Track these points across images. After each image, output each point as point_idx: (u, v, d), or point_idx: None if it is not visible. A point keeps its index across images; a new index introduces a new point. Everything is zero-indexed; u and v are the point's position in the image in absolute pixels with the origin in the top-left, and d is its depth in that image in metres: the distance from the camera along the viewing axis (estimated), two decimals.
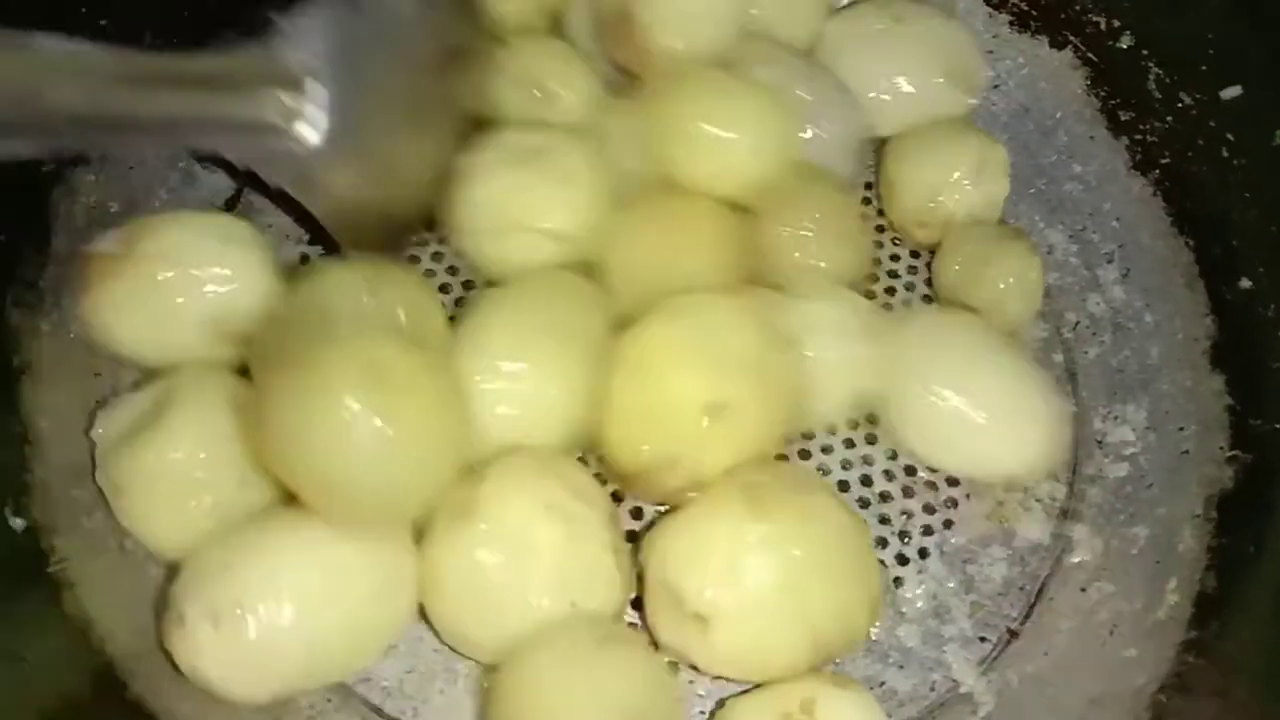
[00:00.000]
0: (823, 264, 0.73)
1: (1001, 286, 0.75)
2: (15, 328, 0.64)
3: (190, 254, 0.64)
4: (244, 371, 0.64)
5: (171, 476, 0.60)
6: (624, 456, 0.64)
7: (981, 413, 0.69)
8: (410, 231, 0.76)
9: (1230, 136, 0.75)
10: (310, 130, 0.62)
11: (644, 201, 0.72)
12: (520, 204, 0.69)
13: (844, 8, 0.85)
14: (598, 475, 0.66)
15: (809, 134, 0.75)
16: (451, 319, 0.68)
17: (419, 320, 0.64)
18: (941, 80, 0.80)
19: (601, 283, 0.70)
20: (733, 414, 0.61)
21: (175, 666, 0.57)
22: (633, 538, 0.67)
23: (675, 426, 0.62)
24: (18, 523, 0.59)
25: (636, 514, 0.69)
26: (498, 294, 0.68)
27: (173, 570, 0.60)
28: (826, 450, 0.73)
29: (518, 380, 0.63)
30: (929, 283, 0.79)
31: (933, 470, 0.72)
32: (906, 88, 0.80)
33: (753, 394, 0.62)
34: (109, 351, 0.66)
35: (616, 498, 0.68)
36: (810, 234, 0.72)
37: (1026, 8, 0.85)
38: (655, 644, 0.63)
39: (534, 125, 0.73)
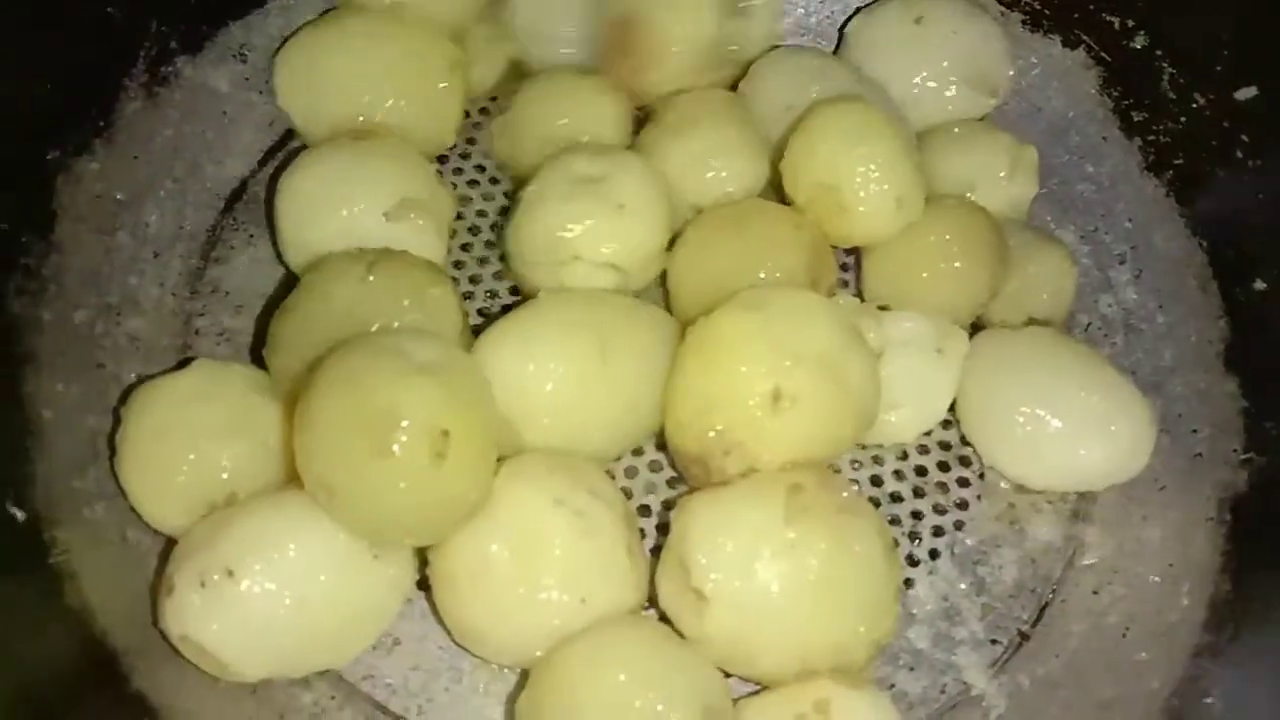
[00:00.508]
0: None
1: (1044, 295, 0.75)
2: (18, 317, 0.63)
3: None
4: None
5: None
6: (685, 440, 0.63)
7: (1070, 425, 0.68)
8: None
9: (1244, 138, 0.75)
10: None
11: (712, 209, 0.73)
12: (578, 236, 0.68)
13: (867, 5, 0.84)
14: (611, 474, 0.66)
15: None
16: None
17: (432, 311, 0.63)
18: (960, 83, 0.80)
19: (661, 302, 0.72)
20: (796, 406, 0.60)
21: (175, 652, 0.57)
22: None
23: (735, 411, 0.61)
24: (19, 514, 0.58)
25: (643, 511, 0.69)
26: (550, 300, 0.67)
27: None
28: None
29: (563, 387, 0.63)
30: None
31: (999, 478, 0.72)
32: (928, 88, 0.80)
33: (818, 389, 0.61)
34: None
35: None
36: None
37: (1040, 7, 0.84)
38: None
39: (590, 149, 0.72)
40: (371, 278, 0.63)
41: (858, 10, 0.84)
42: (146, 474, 0.61)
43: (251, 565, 0.56)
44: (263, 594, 0.56)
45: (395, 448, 0.53)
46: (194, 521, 0.60)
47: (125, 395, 0.65)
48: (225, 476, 0.61)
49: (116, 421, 0.63)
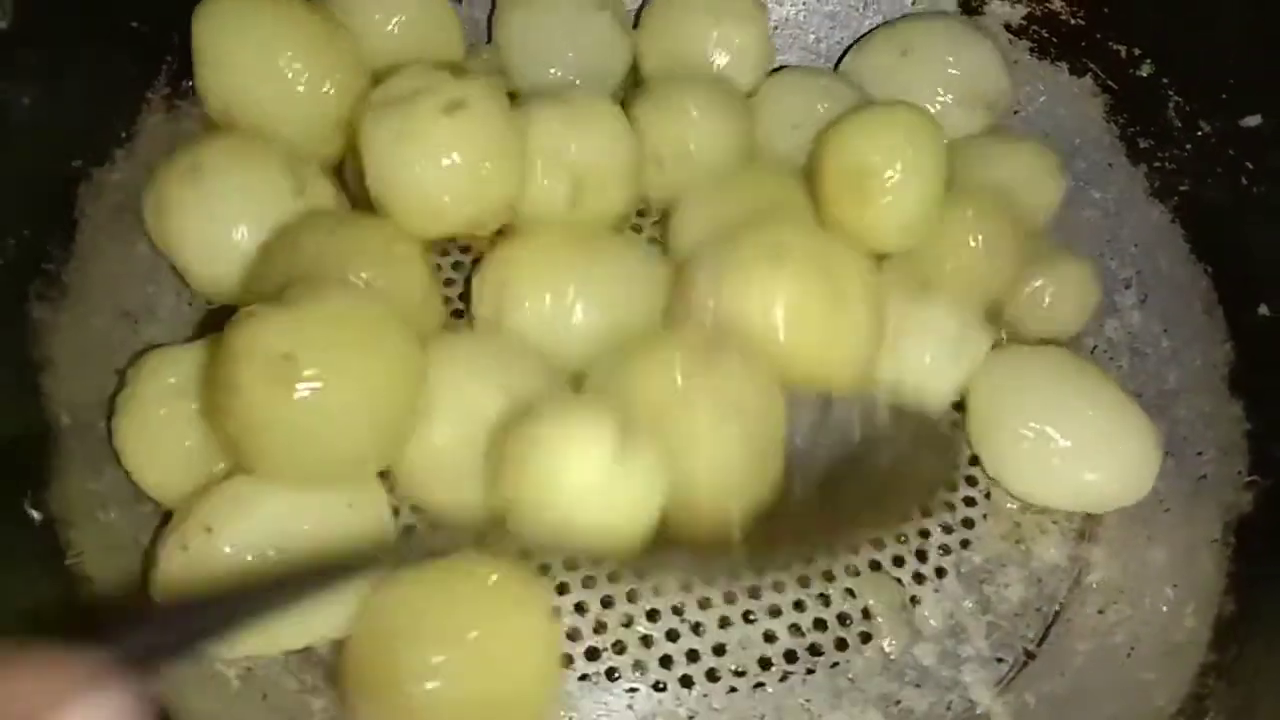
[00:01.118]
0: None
1: (1068, 307, 0.76)
2: (38, 322, 0.63)
3: None
4: None
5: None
6: None
7: (1076, 445, 0.69)
8: None
9: (1249, 164, 0.76)
10: None
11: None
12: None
13: (858, 41, 0.86)
14: None
15: None
16: None
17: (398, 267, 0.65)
18: (954, 104, 0.81)
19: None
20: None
21: None
22: None
23: None
24: (36, 515, 0.58)
25: None
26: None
27: None
28: None
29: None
30: None
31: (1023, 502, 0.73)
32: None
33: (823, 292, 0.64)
34: None
35: None
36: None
37: (1047, 35, 0.85)
38: None
39: None
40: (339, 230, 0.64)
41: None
42: (145, 439, 0.62)
43: (229, 521, 0.56)
44: (244, 548, 0.56)
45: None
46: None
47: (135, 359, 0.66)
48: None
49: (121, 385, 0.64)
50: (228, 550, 0.56)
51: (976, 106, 0.81)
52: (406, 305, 0.63)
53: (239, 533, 0.57)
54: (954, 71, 0.82)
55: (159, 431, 0.62)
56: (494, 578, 0.58)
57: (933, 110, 0.80)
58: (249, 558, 0.56)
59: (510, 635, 0.57)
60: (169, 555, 0.57)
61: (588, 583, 0.67)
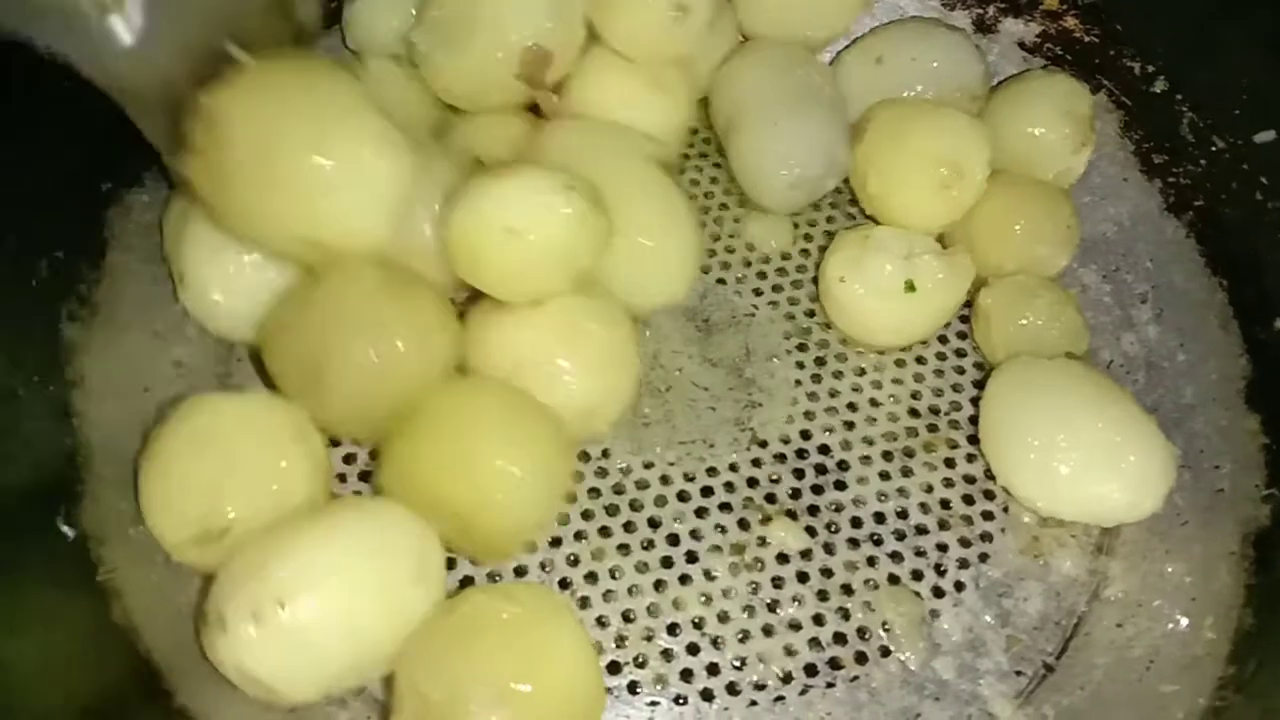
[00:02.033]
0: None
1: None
2: (70, 342, 0.65)
3: None
4: None
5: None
6: None
7: (1085, 458, 0.69)
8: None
9: (1264, 179, 0.76)
10: (123, 28, 0.59)
11: None
12: None
13: (835, 56, 0.88)
14: None
15: None
16: None
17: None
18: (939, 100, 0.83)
19: None
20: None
21: (219, 674, 0.57)
22: None
23: None
24: (69, 531, 0.60)
25: None
26: None
27: (209, 583, 0.60)
28: (862, 481, 0.73)
29: None
30: None
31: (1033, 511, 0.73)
32: None
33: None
34: None
35: None
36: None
37: (1061, 51, 0.86)
38: None
39: None
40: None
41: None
42: (161, 484, 0.62)
43: (301, 596, 0.56)
44: (314, 624, 0.56)
45: None
46: (184, 542, 0.61)
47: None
48: (230, 514, 0.61)
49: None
50: (297, 622, 0.56)
51: (963, 98, 0.83)
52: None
53: (311, 608, 0.56)
54: (929, 70, 0.83)
55: (174, 481, 0.62)
56: (522, 613, 0.59)
57: None
58: (318, 633, 0.56)
59: (556, 673, 0.58)
60: (238, 622, 0.56)
61: (608, 597, 0.68)
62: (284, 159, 0.60)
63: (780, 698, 0.67)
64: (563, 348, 0.66)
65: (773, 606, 0.69)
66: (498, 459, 0.62)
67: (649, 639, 0.67)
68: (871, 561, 0.71)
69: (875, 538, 0.72)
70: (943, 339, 0.81)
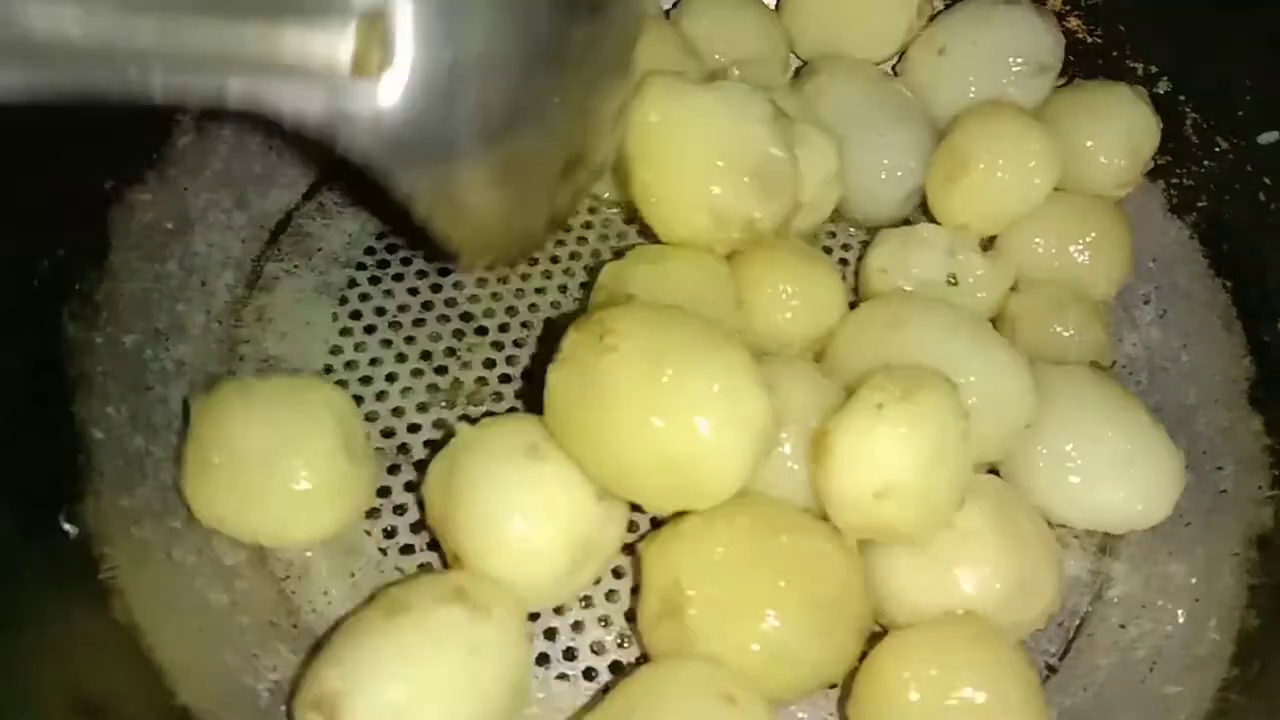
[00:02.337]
0: None
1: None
2: (71, 340, 0.65)
3: None
4: None
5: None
6: None
7: (1094, 465, 0.69)
8: (536, 242, 0.71)
9: (1267, 180, 0.76)
10: (387, 89, 0.48)
11: None
12: None
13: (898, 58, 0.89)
14: None
15: None
16: None
17: None
18: (1010, 82, 0.83)
19: None
20: None
21: (221, 674, 0.58)
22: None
23: None
24: (71, 529, 0.59)
25: None
26: None
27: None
28: None
29: None
30: None
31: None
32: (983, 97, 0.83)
33: None
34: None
35: None
36: None
37: (1064, 53, 0.86)
38: None
39: None
40: None
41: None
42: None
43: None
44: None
45: None
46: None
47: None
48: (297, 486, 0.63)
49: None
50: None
51: (1032, 73, 0.82)
52: None
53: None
54: (992, 52, 0.83)
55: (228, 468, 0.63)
56: None
57: (1003, 91, 0.83)
58: None
59: None
60: None
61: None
62: (668, 383, 0.56)
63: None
64: None
65: None
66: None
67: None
68: None
69: None
70: None
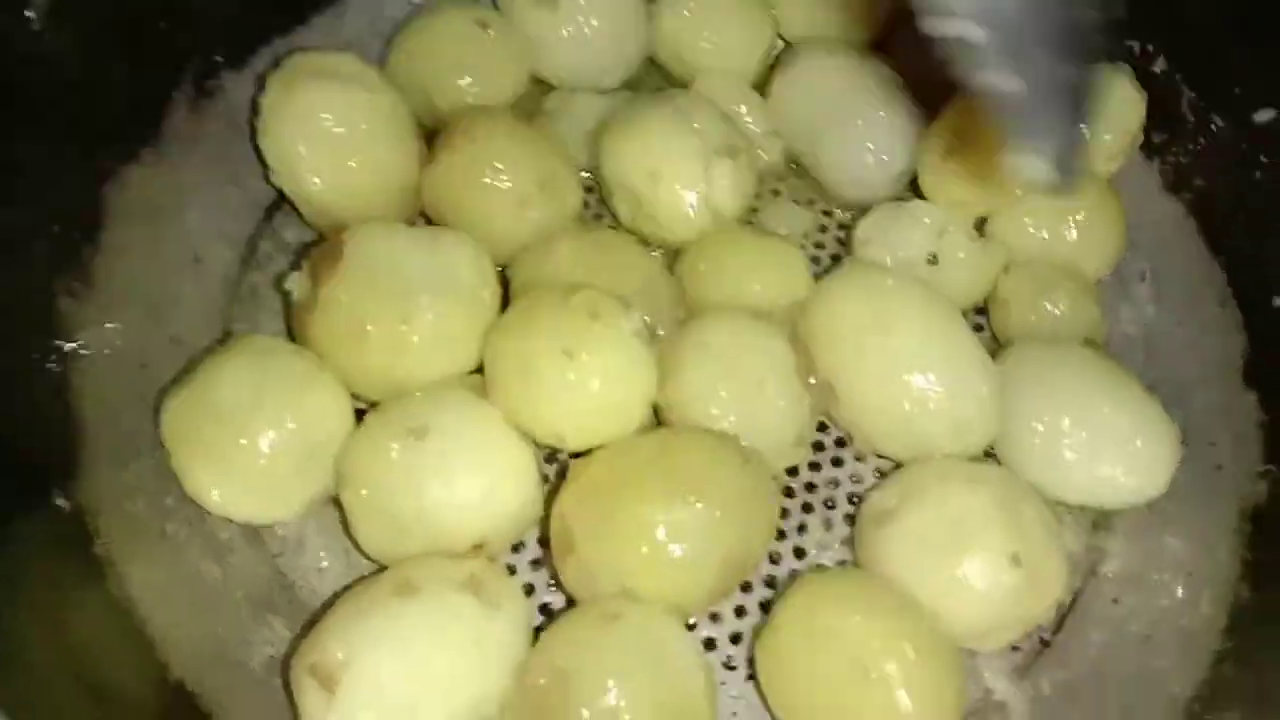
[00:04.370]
0: None
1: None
2: (67, 316, 0.65)
3: None
4: None
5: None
6: None
7: (1091, 441, 0.69)
8: None
9: (1263, 158, 0.76)
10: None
11: None
12: None
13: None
14: None
15: None
16: None
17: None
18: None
19: None
20: None
21: (213, 646, 0.58)
22: None
23: None
24: (65, 503, 0.60)
25: None
26: None
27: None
28: (860, 459, 0.73)
29: None
30: None
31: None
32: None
33: None
34: None
35: None
36: None
37: None
38: None
39: None
40: None
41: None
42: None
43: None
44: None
45: None
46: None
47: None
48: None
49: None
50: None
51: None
52: None
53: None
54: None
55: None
56: None
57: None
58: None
59: None
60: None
61: None
62: None
63: None
64: None
65: (769, 582, 0.69)
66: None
67: None
68: None
69: None
70: None
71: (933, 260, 0.75)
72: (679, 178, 0.74)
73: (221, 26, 0.75)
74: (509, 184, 0.73)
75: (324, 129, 0.72)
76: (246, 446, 0.63)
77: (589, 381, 0.63)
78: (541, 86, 0.85)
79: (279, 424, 0.63)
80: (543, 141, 0.77)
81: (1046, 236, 0.79)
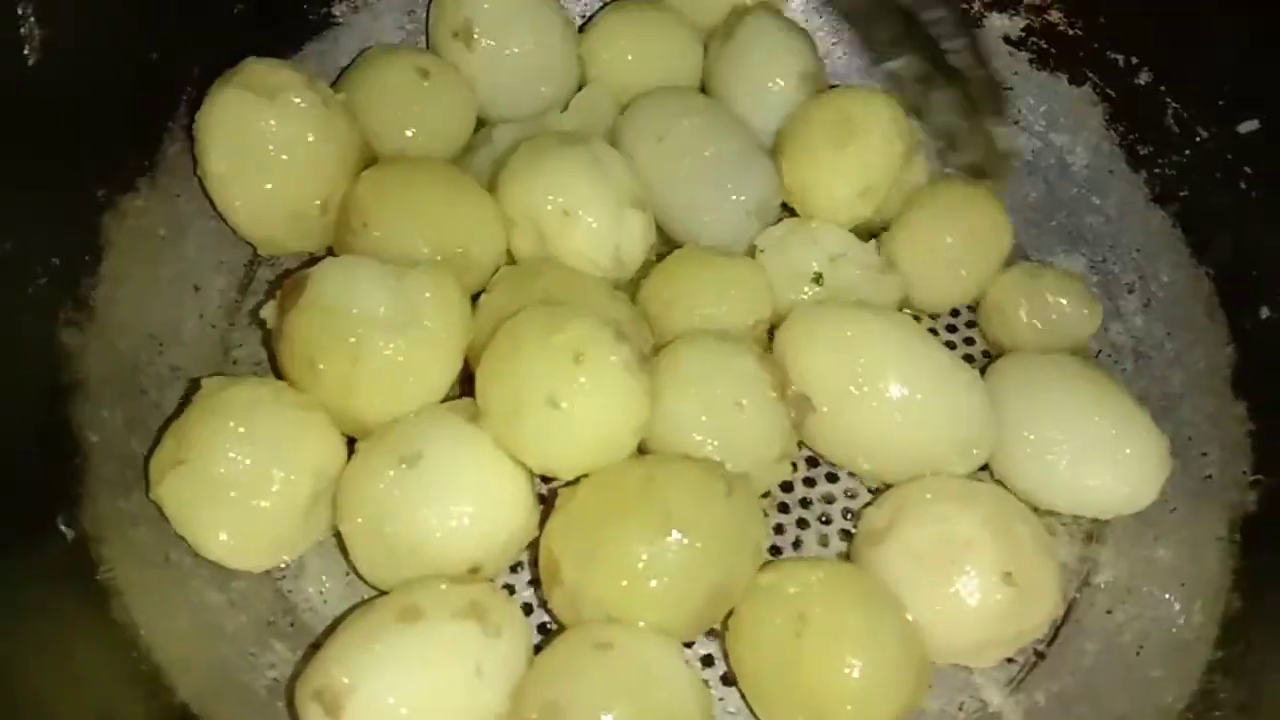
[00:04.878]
0: None
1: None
2: (67, 346, 0.65)
3: None
4: None
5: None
6: None
7: (1081, 451, 0.70)
8: None
9: (1248, 169, 0.77)
10: None
11: None
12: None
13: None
14: None
15: None
16: None
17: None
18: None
19: None
20: None
21: (219, 672, 0.58)
22: None
23: None
24: (69, 532, 0.60)
25: None
26: None
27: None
28: (853, 474, 0.74)
29: None
30: None
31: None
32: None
33: None
34: None
35: None
36: None
37: (1046, 45, 0.87)
38: None
39: None
40: None
41: None
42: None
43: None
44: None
45: None
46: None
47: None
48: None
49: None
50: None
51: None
52: None
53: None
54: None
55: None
56: None
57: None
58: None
59: None
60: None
61: None
62: None
63: None
64: None
65: None
66: None
67: None
68: None
69: None
70: (951, 328, 0.82)
71: (818, 280, 0.76)
72: (595, 219, 0.72)
73: (215, 56, 0.76)
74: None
75: (245, 145, 0.71)
76: (252, 511, 0.63)
77: (574, 428, 0.63)
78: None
79: (283, 482, 0.64)
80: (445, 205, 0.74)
81: (933, 249, 0.79)
